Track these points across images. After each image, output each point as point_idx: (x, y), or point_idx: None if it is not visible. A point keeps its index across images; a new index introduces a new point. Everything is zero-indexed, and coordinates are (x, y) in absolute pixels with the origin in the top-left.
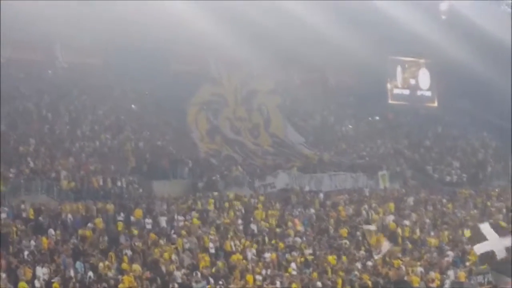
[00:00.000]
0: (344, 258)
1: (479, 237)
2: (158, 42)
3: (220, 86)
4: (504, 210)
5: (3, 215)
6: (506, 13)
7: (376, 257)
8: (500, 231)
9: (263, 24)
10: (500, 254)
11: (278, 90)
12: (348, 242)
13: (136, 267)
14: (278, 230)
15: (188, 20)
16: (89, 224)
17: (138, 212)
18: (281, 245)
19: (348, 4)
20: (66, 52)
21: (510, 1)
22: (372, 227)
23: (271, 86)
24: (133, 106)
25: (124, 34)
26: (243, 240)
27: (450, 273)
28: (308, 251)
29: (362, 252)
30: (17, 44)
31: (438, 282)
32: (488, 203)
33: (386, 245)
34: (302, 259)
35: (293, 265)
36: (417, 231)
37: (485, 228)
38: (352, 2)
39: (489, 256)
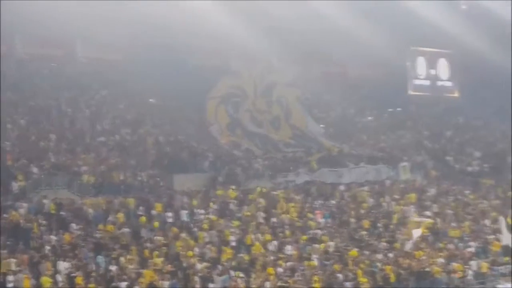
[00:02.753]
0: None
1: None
2: (177, 36)
3: (239, 79)
4: None
5: (22, 211)
6: None
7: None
8: None
9: (283, 17)
10: None
11: (297, 82)
12: (367, 234)
13: (158, 260)
14: (299, 222)
15: (207, 13)
16: (110, 218)
17: (159, 206)
18: (302, 237)
19: None
20: (86, 47)
21: None
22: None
23: (290, 78)
24: (151, 100)
25: (144, 29)
26: (264, 233)
27: (473, 263)
28: (329, 243)
29: (383, 243)
30: (38, 40)
31: (461, 273)
32: (510, 193)
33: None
34: (323, 251)
35: (314, 257)
36: (439, 222)
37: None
38: None
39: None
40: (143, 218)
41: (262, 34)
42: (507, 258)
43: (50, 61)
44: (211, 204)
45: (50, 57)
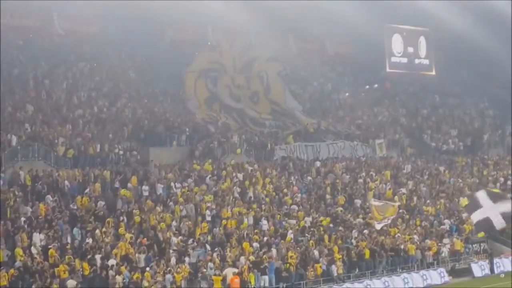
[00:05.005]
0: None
1: (475, 205)
2: (156, 10)
3: (218, 54)
4: (502, 179)
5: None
6: None
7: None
8: (494, 197)
9: None
10: (497, 221)
11: (277, 57)
12: (343, 210)
13: (128, 235)
14: (275, 197)
15: None
16: (86, 191)
17: (135, 179)
18: (278, 212)
19: None
20: (64, 19)
21: None
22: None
23: (270, 54)
24: (130, 73)
25: (122, 2)
26: (240, 208)
27: (446, 241)
28: (306, 218)
29: (359, 219)
30: (16, 11)
31: (435, 250)
32: (485, 172)
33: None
34: (299, 226)
35: (290, 232)
36: (414, 199)
37: (481, 195)
38: None
39: (485, 224)
40: (122, 191)
41: (242, 9)
42: (481, 234)
43: (28, 32)
44: (187, 178)
45: (28, 28)
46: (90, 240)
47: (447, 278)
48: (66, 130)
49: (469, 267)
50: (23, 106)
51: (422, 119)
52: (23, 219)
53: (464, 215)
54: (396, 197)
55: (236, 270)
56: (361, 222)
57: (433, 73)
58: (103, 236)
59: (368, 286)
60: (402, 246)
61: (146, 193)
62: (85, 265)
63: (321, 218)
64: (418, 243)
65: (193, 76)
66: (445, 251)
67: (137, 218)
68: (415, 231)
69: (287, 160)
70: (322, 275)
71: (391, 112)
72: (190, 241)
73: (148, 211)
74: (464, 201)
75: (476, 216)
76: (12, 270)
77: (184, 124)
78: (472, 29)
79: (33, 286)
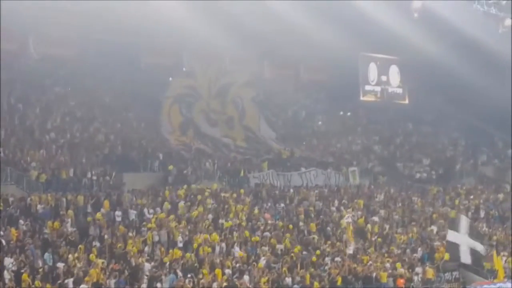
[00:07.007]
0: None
1: (455, 225)
2: (131, 35)
3: (193, 79)
4: (473, 208)
5: None
6: (479, 11)
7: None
8: (474, 233)
9: (238, 18)
10: (464, 256)
11: (252, 82)
12: (316, 237)
13: (99, 261)
14: (248, 224)
15: (161, 12)
16: (59, 216)
17: (107, 204)
18: (250, 239)
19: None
20: (39, 43)
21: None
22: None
23: (245, 79)
24: (105, 98)
25: (98, 26)
26: (212, 234)
27: (418, 269)
28: (278, 245)
29: (331, 247)
30: None
31: (407, 278)
32: (457, 201)
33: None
34: (272, 253)
35: (262, 259)
36: (386, 227)
37: (464, 221)
38: None
39: (453, 248)
40: (91, 217)
41: (217, 34)
42: (447, 256)
43: (1, 55)
44: (160, 204)
45: (2, 51)
46: (61, 265)
47: None
48: (39, 154)
49: None
50: None
51: (395, 147)
52: None
53: (436, 243)
54: (368, 225)
55: None
56: (333, 250)
57: (406, 101)
58: (75, 261)
59: None
60: (374, 274)
61: (118, 219)
62: None
63: (295, 247)
64: (390, 271)
65: (168, 101)
66: (416, 279)
67: (109, 243)
68: (387, 259)
69: (260, 186)
70: None
71: (364, 140)
72: (163, 267)
73: (120, 237)
74: (453, 213)
75: (450, 236)
76: None
77: (157, 150)
78: (445, 57)
79: None
